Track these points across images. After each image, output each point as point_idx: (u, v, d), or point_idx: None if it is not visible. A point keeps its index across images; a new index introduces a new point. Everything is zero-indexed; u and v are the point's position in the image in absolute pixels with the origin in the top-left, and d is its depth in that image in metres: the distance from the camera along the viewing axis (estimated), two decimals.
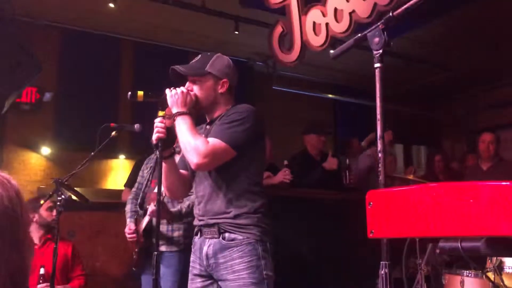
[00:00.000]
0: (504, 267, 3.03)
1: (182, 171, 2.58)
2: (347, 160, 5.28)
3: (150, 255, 2.36)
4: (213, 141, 2.29)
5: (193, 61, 2.53)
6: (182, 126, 2.33)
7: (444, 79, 6.74)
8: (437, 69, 6.62)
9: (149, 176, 3.56)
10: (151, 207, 3.26)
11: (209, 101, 2.48)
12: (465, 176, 5.87)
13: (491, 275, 3.04)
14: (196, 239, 2.49)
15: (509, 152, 5.79)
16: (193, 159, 2.28)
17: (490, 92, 7.43)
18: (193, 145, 2.28)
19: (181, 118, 2.34)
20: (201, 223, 2.43)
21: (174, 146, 2.55)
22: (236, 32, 5.28)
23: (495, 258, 2.96)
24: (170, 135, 2.44)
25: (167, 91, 2.37)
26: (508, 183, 0.87)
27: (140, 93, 2.40)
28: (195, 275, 2.46)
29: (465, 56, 6.22)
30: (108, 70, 5.65)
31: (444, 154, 6.31)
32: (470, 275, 3.26)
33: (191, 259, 2.50)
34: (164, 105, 2.44)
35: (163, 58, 5.53)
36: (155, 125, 2.40)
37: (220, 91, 2.48)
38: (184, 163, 2.60)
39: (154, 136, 2.38)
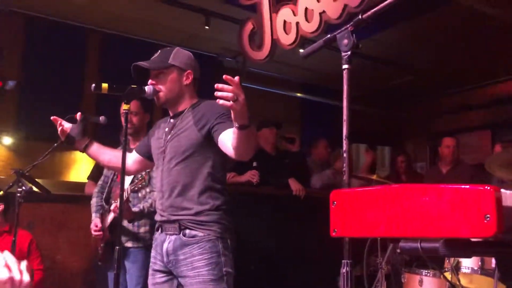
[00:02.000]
0: (461, 267, 3.13)
1: (132, 156, 2.69)
2: (308, 161, 5.36)
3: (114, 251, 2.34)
4: None
5: (154, 56, 2.53)
6: (249, 137, 2.13)
7: (409, 82, 6.87)
8: (403, 72, 6.74)
9: None
10: (114, 204, 3.24)
11: (174, 94, 2.47)
12: (425, 178, 6.02)
13: (448, 275, 3.13)
14: (157, 234, 2.48)
15: (467, 156, 5.95)
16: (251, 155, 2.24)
17: (451, 97, 7.62)
18: (253, 146, 2.22)
19: (249, 131, 2.10)
20: (163, 219, 2.43)
21: (88, 139, 2.61)
22: (207, 27, 5.24)
23: (452, 258, 3.05)
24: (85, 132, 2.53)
25: (240, 98, 1.97)
26: (467, 186, 0.90)
27: (105, 85, 2.37)
28: (156, 270, 2.45)
29: (430, 60, 6.36)
30: (73, 60, 5.53)
31: (407, 155, 6.45)
32: (428, 274, 3.35)
33: (152, 254, 2.49)
34: (129, 99, 2.42)
35: (131, 50, 5.45)
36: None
37: (185, 82, 2.48)
38: (145, 147, 2.66)
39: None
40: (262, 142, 5.15)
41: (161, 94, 2.46)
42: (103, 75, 5.47)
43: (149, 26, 5.59)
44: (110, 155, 2.67)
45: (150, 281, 2.48)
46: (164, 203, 2.42)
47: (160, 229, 2.47)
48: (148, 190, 3.37)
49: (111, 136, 4.06)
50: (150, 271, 2.48)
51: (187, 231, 2.33)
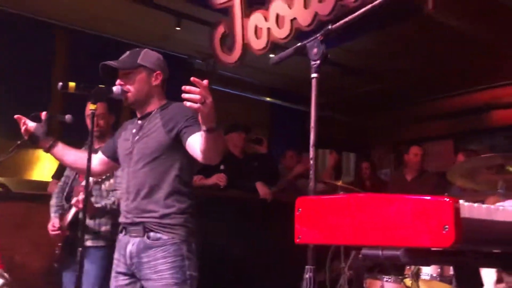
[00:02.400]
0: (421, 274, 3.20)
1: (97, 157, 2.67)
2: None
3: (74, 249, 2.30)
4: None
5: (122, 57, 2.51)
6: (216, 141, 2.16)
7: (376, 90, 6.99)
8: (370, 80, 6.86)
9: None
10: (76, 198, 3.18)
11: (143, 94, 2.46)
12: (390, 184, 6.13)
13: (408, 281, 3.20)
14: (121, 236, 2.46)
15: (430, 164, 6.09)
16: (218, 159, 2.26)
17: (417, 106, 7.79)
18: (220, 149, 2.25)
19: (217, 134, 2.13)
20: (127, 221, 2.40)
21: (53, 139, 2.57)
22: (178, 28, 5.22)
23: (413, 265, 3.12)
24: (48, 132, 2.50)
25: (208, 101, 1.98)
26: (427, 197, 0.93)
27: (72, 84, 2.34)
28: (119, 273, 2.42)
29: (397, 70, 6.49)
30: (41, 57, 5.41)
31: (372, 162, 6.56)
32: (389, 280, 3.42)
33: (115, 256, 2.47)
34: (96, 99, 2.39)
35: (100, 49, 5.38)
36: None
37: (154, 83, 2.48)
38: (111, 148, 2.63)
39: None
40: (230, 146, 5.16)
41: (129, 94, 2.44)
42: (71, 73, 5.37)
43: (120, 25, 5.52)
44: (75, 156, 2.63)
45: (113, 283, 2.45)
46: (129, 205, 2.39)
47: (124, 231, 2.44)
48: (111, 181, 3.32)
49: (77, 135, 4.00)
50: (113, 273, 2.45)
51: (152, 233, 2.31)
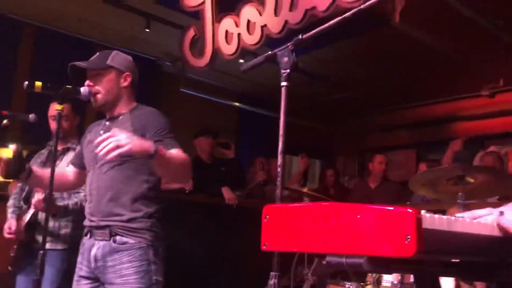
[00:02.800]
0: (382, 281, 3.27)
1: (71, 170, 2.63)
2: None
3: (31, 252, 2.26)
4: (178, 150, 2.29)
5: (92, 58, 2.49)
6: (166, 160, 2.18)
7: (342, 98, 7.09)
8: (337, 88, 6.95)
9: None
10: (35, 198, 3.09)
11: (112, 95, 2.43)
12: (353, 191, 6.23)
13: (370, 287, 3.26)
14: (85, 239, 2.42)
15: (393, 173, 6.21)
16: (190, 174, 2.34)
17: (382, 115, 7.94)
18: (187, 160, 2.28)
19: (159, 156, 2.13)
20: (92, 224, 2.37)
21: (27, 170, 2.44)
22: (147, 30, 5.18)
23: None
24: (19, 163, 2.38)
25: (126, 146, 2.01)
26: (391, 208, 0.96)
27: (38, 84, 2.30)
28: (81, 276, 2.38)
29: (364, 79, 6.60)
30: (4, 54, 5.27)
31: (336, 170, 6.64)
32: (351, 286, 3.47)
33: (78, 260, 2.42)
34: (63, 99, 2.36)
35: (67, 48, 5.28)
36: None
37: (123, 84, 2.46)
38: (79, 158, 2.57)
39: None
40: (198, 150, 5.15)
41: (98, 95, 2.42)
42: (36, 72, 5.25)
43: (88, 25, 5.44)
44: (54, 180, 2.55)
45: (75, 287, 2.40)
46: (95, 208, 2.36)
47: (89, 234, 2.41)
48: None
49: (39, 136, 3.91)
50: (76, 277, 2.41)
51: (118, 237, 2.28)
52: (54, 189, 2.53)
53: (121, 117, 2.43)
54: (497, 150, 5.13)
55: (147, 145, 2.08)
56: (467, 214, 1.16)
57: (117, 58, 2.48)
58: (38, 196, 3.05)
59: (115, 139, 1.98)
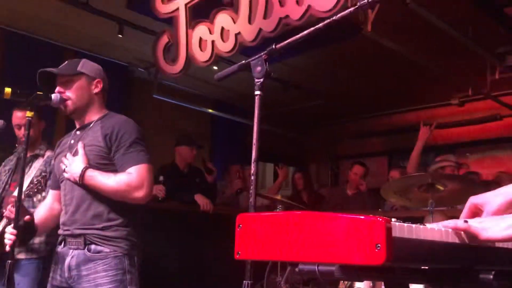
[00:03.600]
0: None
1: (52, 198, 2.59)
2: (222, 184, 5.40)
3: (3, 262, 2.20)
4: (135, 168, 2.26)
5: (61, 65, 2.47)
6: (93, 187, 2.27)
7: (316, 106, 7.15)
8: (311, 96, 7.01)
9: (8, 179, 3.33)
10: (8, 209, 3.04)
11: (83, 102, 2.41)
12: (331, 197, 6.27)
13: None
14: (59, 248, 2.38)
15: (367, 180, 6.27)
16: (138, 195, 2.26)
17: (354, 123, 8.04)
18: (123, 186, 2.24)
19: (87, 177, 2.26)
20: (66, 232, 2.33)
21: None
22: (120, 36, 5.14)
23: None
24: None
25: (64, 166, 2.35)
26: (361, 217, 0.97)
27: (8, 90, 2.26)
28: (55, 286, 2.35)
29: (336, 87, 6.68)
30: None
31: (304, 173, 6.66)
32: None
33: (52, 269, 2.38)
34: (32, 105, 2.32)
35: (37, 52, 5.20)
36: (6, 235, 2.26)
37: (94, 91, 2.45)
38: (55, 181, 2.54)
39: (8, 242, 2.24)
40: (177, 158, 5.11)
41: (69, 102, 2.39)
42: (4, 77, 5.15)
43: (60, 30, 5.37)
44: (47, 222, 2.53)
45: None
46: (69, 218, 2.32)
47: (63, 243, 2.37)
48: (44, 195, 3.21)
49: (5, 143, 3.83)
50: (49, 287, 2.37)
51: (93, 246, 2.25)
52: (48, 229, 2.62)
53: (91, 125, 2.41)
54: (453, 159, 5.23)
55: (77, 174, 2.26)
56: (443, 224, 1.19)
57: (87, 65, 2.47)
58: (9, 207, 2.99)
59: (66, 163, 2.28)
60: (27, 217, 2.28)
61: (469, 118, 6.87)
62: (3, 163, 3.51)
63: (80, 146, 2.31)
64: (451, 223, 1.16)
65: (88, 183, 2.23)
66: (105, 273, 2.21)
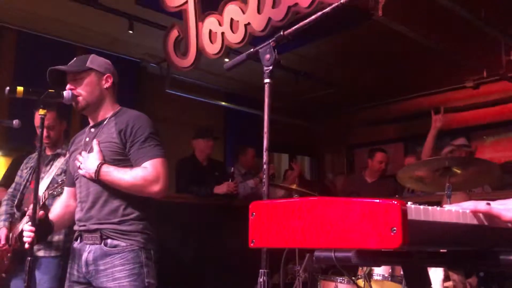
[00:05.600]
0: (373, 274, 3.28)
1: (67, 195, 2.59)
2: (232, 168, 5.37)
3: (24, 260, 2.23)
4: (151, 163, 2.27)
5: (70, 62, 2.47)
6: (110, 182, 2.29)
7: (329, 95, 7.11)
8: (323, 85, 6.97)
9: (29, 176, 3.37)
10: (31, 208, 3.07)
11: (94, 98, 2.41)
12: (349, 185, 6.22)
13: (361, 282, 3.27)
14: (76, 244, 2.39)
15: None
16: (154, 189, 2.27)
17: (368, 110, 7.97)
18: (139, 180, 2.25)
19: (102, 172, 2.27)
20: (82, 228, 2.35)
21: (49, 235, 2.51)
22: (130, 32, 5.15)
23: (365, 267, 3.19)
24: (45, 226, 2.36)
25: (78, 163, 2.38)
26: (376, 200, 0.96)
27: (20, 89, 2.27)
28: (73, 282, 2.36)
29: (348, 75, 6.62)
30: None
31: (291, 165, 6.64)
32: (343, 281, 3.48)
33: (69, 265, 2.40)
34: (45, 104, 2.33)
35: (49, 51, 5.24)
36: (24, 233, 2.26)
37: (105, 86, 2.45)
38: (70, 178, 2.55)
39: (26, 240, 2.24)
40: (196, 151, 5.15)
41: (80, 98, 2.40)
42: (18, 76, 5.20)
43: (71, 28, 5.40)
44: (63, 218, 2.53)
45: None
46: (85, 213, 2.34)
47: (79, 238, 2.38)
48: None
49: (23, 141, 3.87)
50: (68, 283, 2.38)
51: (109, 240, 2.26)
52: (65, 226, 2.64)
53: (105, 122, 2.42)
54: (466, 143, 5.16)
55: (92, 170, 2.29)
56: (461, 205, 1.17)
57: (96, 60, 2.47)
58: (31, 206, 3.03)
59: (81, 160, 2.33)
60: (40, 212, 2.29)
61: (485, 101, 6.76)
62: (25, 161, 3.55)
63: (95, 143, 2.32)
64: (471, 205, 1.14)
65: (104, 179, 2.24)
66: (123, 267, 2.23)
